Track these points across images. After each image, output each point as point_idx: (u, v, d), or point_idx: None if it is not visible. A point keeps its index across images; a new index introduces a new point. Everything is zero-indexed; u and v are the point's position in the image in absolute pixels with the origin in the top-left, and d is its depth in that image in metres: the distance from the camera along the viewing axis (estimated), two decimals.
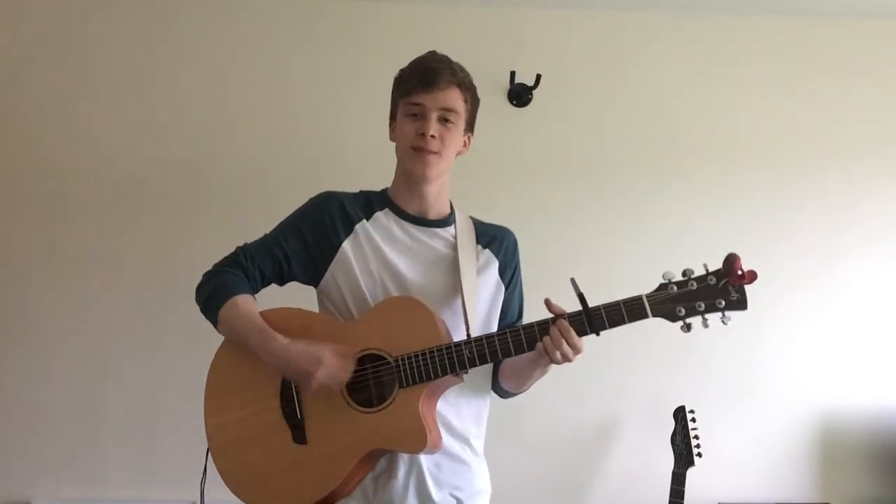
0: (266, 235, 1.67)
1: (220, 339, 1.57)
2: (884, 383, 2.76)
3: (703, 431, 2.53)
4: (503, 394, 1.69)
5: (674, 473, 2.50)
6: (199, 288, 1.62)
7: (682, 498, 2.46)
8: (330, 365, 1.46)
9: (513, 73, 2.77)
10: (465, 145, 1.67)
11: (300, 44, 2.80)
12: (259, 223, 2.67)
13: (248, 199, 2.70)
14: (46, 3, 2.76)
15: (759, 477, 2.73)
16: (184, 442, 2.63)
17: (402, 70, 1.64)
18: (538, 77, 2.75)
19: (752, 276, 1.38)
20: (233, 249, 1.66)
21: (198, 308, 1.61)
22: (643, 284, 1.46)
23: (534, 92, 2.77)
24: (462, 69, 1.63)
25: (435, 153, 1.57)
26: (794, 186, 2.81)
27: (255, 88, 2.77)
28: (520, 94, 2.77)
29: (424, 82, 1.56)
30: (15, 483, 2.63)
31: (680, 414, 2.56)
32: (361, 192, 1.69)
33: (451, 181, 1.70)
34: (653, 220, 2.78)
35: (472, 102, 1.63)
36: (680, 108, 2.83)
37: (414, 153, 1.58)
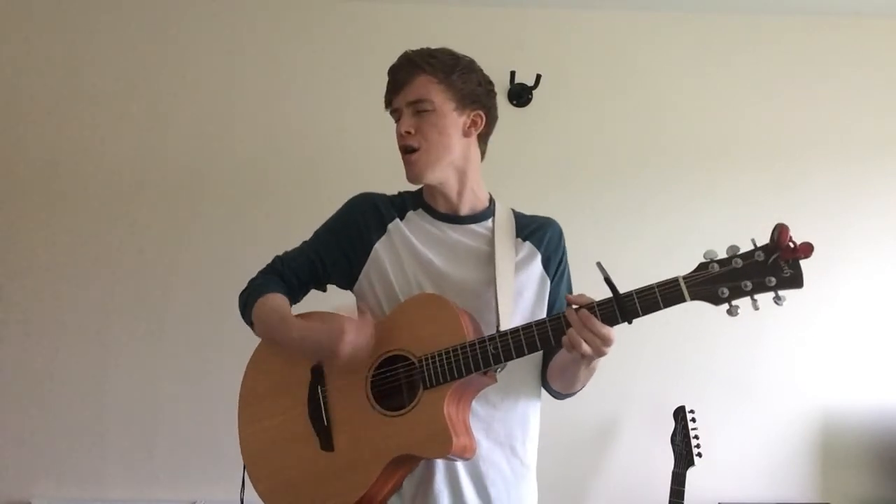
0: (304, 242, 1.65)
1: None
2: (884, 383, 2.76)
3: (703, 431, 2.53)
4: (555, 394, 1.57)
5: (674, 473, 2.50)
6: (240, 297, 1.62)
7: (682, 498, 2.46)
8: (351, 331, 1.39)
9: (513, 73, 2.76)
10: (473, 125, 1.55)
11: (300, 44, 2.80)
12: (259, 222, 2.70)
13: (248, 199, 2.71)
14: (48, 4, 2.77)
15: (759, 477, 2.73)
16: (184, 442, 2.64)
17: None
18: (538, 77, 2.75)
19: (806, 248, 1.21)
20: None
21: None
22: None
23: (534, 92, 2.77)
24: (429, 54, 1.53)
25: (415, 150, 1.51)
26: (794, 186, 2.81)
27: (255, 88, 2.77)
28: (520, 94, 2.77)
29: (392, 85, 1.55)
30: (15, 483, 2.63)
31: (680, 414, 2.56)
32: (399, 193, 1.65)
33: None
34: (653, 219, 2.78)
35: (447, 79, 1.51)
36: (680, 108, 2.83)
37: (403, 158, 1.54)
